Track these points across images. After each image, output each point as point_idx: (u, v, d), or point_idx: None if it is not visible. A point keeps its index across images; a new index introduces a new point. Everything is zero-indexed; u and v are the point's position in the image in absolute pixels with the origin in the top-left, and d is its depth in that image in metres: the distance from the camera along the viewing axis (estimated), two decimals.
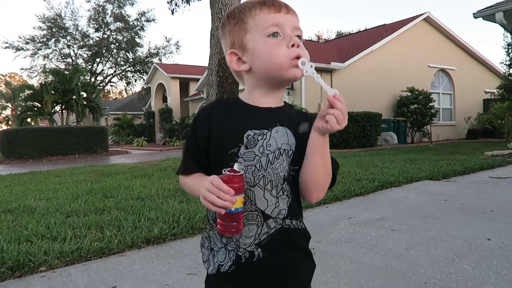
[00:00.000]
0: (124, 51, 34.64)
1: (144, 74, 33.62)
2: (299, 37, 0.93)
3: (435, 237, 2.96)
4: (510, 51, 9.37)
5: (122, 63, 35.41)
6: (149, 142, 23.31)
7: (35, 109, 18.40)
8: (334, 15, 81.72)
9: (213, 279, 0.97)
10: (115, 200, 4.49)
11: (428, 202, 4.21)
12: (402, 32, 16.02)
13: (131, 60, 35.04)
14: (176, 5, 13.96)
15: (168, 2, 13.95)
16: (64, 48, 33.62)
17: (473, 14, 10.53)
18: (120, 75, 36.41)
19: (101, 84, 35.02)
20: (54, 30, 32.30)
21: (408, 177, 5.58)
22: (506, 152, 8.77)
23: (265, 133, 0.94)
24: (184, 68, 26.36)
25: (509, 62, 9.47)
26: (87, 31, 33.52)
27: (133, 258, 2.74)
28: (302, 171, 0.94)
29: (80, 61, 33.70)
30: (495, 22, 9.97)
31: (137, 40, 34.49)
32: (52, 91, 17.51)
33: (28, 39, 32.01)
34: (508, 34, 9.57)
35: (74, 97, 17.96)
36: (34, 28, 49.83)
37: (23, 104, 19.43)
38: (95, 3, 32.96)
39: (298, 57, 0.90)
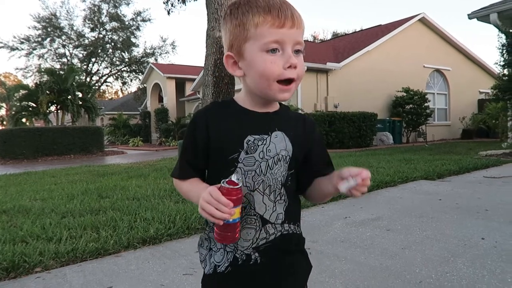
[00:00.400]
0: (119, 51, 34.55)
1: (140, 74, 33.55)
2: (300, 50, 0.91)
3: (430, 237, 2.98)
4: (504, 52, 9.42)
5: (117, 63, 35.33)
6: (145, 142, 23.25)
7: (30, 109, 18.29)
8: (330, 16, 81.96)
9: (210, 279, 0.97)
10: (111, 201, 4.47)
11: (423, 202, 4.24)
12: (397, 33, 16.10)
13: (126, 60, 34.95)
14: (172, 5, 13.96)
15: (164, 3, 13.96)
16: (59, 48, 33.52)
17: (468, 15, 10.60)
18: (116, 75, 36.33)
19: (96, 84, 34.91)
20: (49, 29, 32.16)
21: (404, 177, 5.60)
22: (500, 152, 8.83)
23: (264, 138, 0.94)
24: (180, 68, 26.32)
25: (504, 63, 9.52)
26: (82, 30, 33.47)
27: (129, 258, 2.73)
28: (310, 191, 1.03)
29: (75, 61, 33.61)
30: (489, 23, 10.04)
31: (133, 40, 34.45)
32: (47, 91, 17.42)
33: (23, 38, 31.89)
34: (503, 35, 9.63)
35: (69, 97, 17.89)
36: (29, 27, 49.55)
37: (18, 104, 19.30)
38: (90, 2, 32.94)
39: (289, 80, 0.89)
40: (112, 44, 34.14)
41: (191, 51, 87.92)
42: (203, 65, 6.51)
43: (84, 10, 39.12)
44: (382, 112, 15.10)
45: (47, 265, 2.57)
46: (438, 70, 17.72)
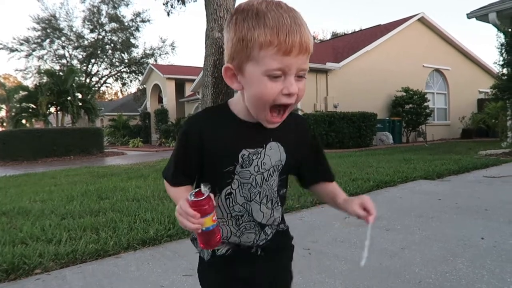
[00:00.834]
0: (119, 52, 34.53)
1: (140, 75, 33.53)
2: (302, 75, 0.87)
3: (430, 237, 2.98)
4: (503, 51, 9.41)
5: (117, 64, 35.31)
6: (144, 143, 23.24)
7: (30, 110, 18.31)
8: (330, 16, 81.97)
9: (209, 264, 1.00)
10: (111, 202, 4.47)
11: (422, 202, 4.24)
12: (396, 33, 16.11)
13: (126, 61, 34.93)
14: (171, 6, 13.94)
15: (164, 4, 13.94)
16: (58, 49, 33.51)
17: (467, 14, 10.60)
18: (115, 76, 36.30)
19: (96, 85, 34.88)
20: (48, 31, 32.13)
21: (403, 177, 5.60)
22: (500, 151, 8.83)
23: (259, 152, 0.94)
24: (179, 69, 26.32)
25: (503, 62, 9.51)
26: (81, 32, 33.44)
27: (129, 259, 2.73)
28: (319, 193, 1.11)
29: (75, 62, 33.61)
30: (488, 22, 10.03)
31: (132, 41, 34.42)
32: (47, 92, 17.44)
33: (22, 40, 31.85)
34: (502, 34, 9.63)
35: (69, 98, 17.91)
36: (28, 29, 49.79)
37: (18, 105, 19.32)
38: (90, 3, 32.92)
39: (283, 106, 0.88)
40: (112, 45, 34.13)
41: (191, 52, 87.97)
42: (202, 65, 6.51)
43: (83, 11, 39.09)
44: (382, 112, 15.11)
45: (47, 266, 2.57)
46: (437, 70, 17.72)
